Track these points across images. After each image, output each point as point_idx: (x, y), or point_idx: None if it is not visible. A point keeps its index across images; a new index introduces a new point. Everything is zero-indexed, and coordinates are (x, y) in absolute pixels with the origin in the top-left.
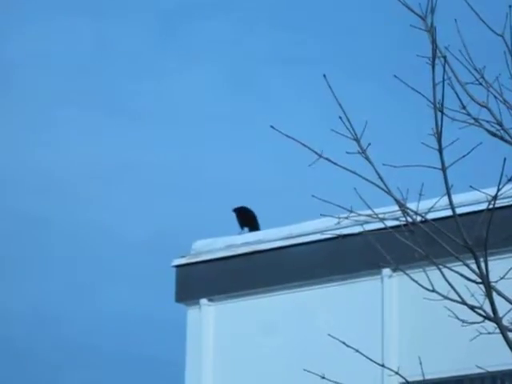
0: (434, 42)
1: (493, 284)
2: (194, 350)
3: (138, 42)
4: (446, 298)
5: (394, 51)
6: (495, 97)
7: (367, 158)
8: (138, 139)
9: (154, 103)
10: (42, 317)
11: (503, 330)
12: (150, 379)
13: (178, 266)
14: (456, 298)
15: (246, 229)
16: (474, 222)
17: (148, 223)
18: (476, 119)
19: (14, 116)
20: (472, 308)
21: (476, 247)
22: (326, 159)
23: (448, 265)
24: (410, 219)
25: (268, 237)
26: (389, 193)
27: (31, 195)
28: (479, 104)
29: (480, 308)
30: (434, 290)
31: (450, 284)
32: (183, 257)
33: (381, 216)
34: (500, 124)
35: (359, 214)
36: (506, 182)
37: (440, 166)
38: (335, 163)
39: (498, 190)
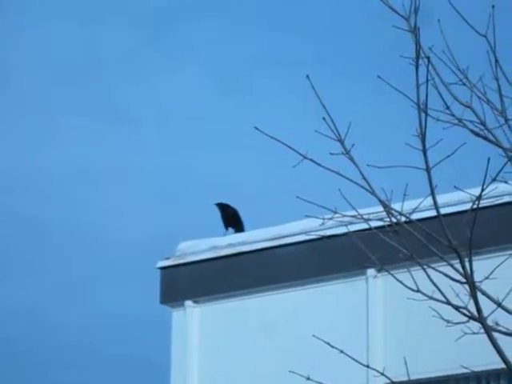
0: (417, 42)
1: (477, 284)
2: (179, 351)
3: (127, 45)
4: (431, 298)
5: (378, 52)
6: (479, 97)
7: (351, 159)
8: (129, 142)
9: (144, 105)
10: (34, 317)
11: (488, 330)
12: (136, 380)
13: (162, 268)
14: (441, 298)
15: (230, 230)
16: (459, 222)
17: (141, 225)
18: (460, 119)
19: (11, 119)
20: (457, 308)
21: (460, 247)
22: (311, 160)
23: (433, 265)
24: (394, 220)
25: (253, 238)
26: (373, 193)
27: (28, 197)
28: (463, 104)
29: (465, 308)
30: (418, 291)
31: (434, 284)
32: (168, 258)
33: (365, 217)
34: (484, 124)
35: (344, 215)
36: (490, 182)
37: (424, 167)
38: (319, 164)
39: (482, 190)
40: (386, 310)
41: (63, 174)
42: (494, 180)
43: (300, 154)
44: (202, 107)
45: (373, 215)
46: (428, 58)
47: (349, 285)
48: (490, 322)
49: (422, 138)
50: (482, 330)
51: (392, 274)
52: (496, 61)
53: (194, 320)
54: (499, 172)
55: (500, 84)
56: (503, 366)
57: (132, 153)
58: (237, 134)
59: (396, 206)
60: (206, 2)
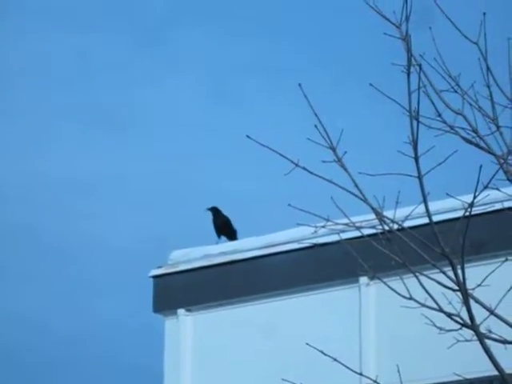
0: (408, 50)
1: (470, 291)
2: (172, 360)
3: (120, 53)
4: (424, 305)
5: (370, 60)
6: (470, 104)
7: (343, 167)
8: (122, 149)
9: (136, 113)
10: (27, 325)
11: (481, 338)
12: None
13: (155, 277)
14: (433, 305)
15: (223, 238)
16: (451, 229)
17: (133, 233)
18: (452, 127)
19: (4, 126)
20: (449, 315)
21: (453, 255)
22: (303, 168)
23: (425, 272)
24: (386, 227)
25: (245, 246)
26: (365, 201)
27: (20, 204)
28: (454, 111)
29: (457, 315)
30: (411, 298)
31: (427, 292)
32: (160, 267)
33: (357, 224)
34: (475, 131)
35: (336, 223)
36: (482, 190)
37: (416, 174)
38: (311, 172)
39: (475, 197)
40: (379, 317)
41: (56, 182)
42: (486, 187)
43: (292, 162)
44: (194, 115)
45: (365, 223)
46: (419, 65)
47: (341, 293)
48: (482, 329)
49: (414, 145)
50: (475, 338)
51: (384, 282)
52: (487, 68)
53: (186, 328)
54: (491, 179)
55: (491, 91)
56: (496, 373)
57: (125, 160)
58: (229, 142)
59: (388, 213)
60: (198, 10)
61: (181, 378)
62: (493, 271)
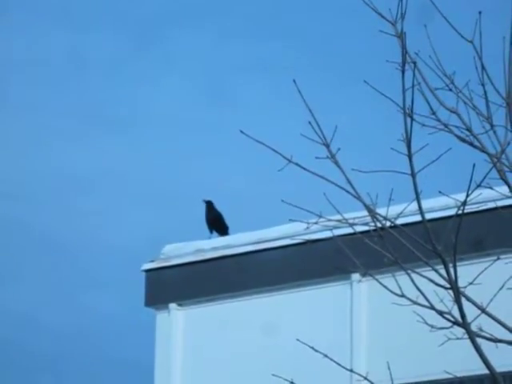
0: (403, 47)
1: (461, 289)
2: (163, 354)
3: (115, 52)
4: (415, 303)
5: (365, 57)
6: (465, 102)
7: (336, 163)
8: (118, 147)
9: (131, 112)
10: (22, 319)
11: (472, 336)
12: (121, 382)
13: (147, 271)
14: (425, 303)
15: (215, 233)
16: (443, 227)
17: (127, 228)
18: (446, 125)
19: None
20: (441, 313)
21: (445, 252)
22: (296, 164)
23: (417, 270)
24: (379, 224)
25: (237, 242)
26: (358, 198)
27: (17, 201)
28: (449, 110)
29: (449, 313)
30: (403, 295)
31: (418, 289)
32: (152, 261)
33: (350, 221)
34: (469, 130)
35: (328, 219)
36: (475, 188)
37: (409, 172)
38: (304, 168)
39: (467, 195)
40: (370, 314)
41: (54, 178)
42: (479, 186)
43: (285, 158)
44: (189, 113)
45: (358, 220)
46: (414, 63)
47: (333, 289)
48: (473, 327)
49: (408, 143)
50: (466, 336)
51: (376, 279)
52: (482, 67)
53: (178, 322)
54: (484, 178)
55: (486, 90)
56: (486, 371)
57: (122, 158)
58: (223, 139)
59: (381, 210)
60: (193, 9)
61: (171, 371)
62: (484, 270)
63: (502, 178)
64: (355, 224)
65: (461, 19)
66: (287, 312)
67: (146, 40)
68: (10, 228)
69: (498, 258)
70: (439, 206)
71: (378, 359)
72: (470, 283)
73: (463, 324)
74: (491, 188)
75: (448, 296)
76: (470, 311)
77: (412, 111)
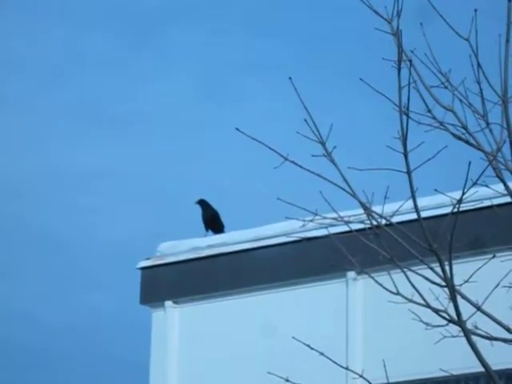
0: (399, 45)
1: (457, 287)
2: (158, 352)
3: (113, 50)
4: (411, 301)
5: (361, 56)
6: (461, 100)
7: (332, 161)
8: (116, 145)
9: (128, 110)
10: (19, 317)
11: (467, 334)
12: (116, 380)
13: (142, 268)
14: (420, 301)
15: (211, 231)
16: (439, 225)
17: (122, 226)
18: (441, 123)
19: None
20: (436, 311)
21: (440, 250)
22: (292, 162)
23: (413, 268)
24: (375, 222)
25: (233, 239)
26: (354, 196)
27: (13, 198)
28: (445, 107)
29: (444, 311)
30: (398, 293)
31: (414, 287)
32: (148, 259)
33: (346, 219)
34: (465, 128)
35: (324, 217)
36: (471, 186)
37: (405, 170)
38: (300, 166)
39: (463, 193)
40: (366, 312)
41: (51, 176)
42: (474, 184)
43: (281, 156)
44: (184, 112)
45: (353, 217)
46: (410, 60)
47: (329, 287)
48: (469, 325)
49: (404, 140)
50: (462, 334)
51: (372, 277)
52: (478, 64)
53: (173, 320)
54: (480, 176)
55: (482, 88)
56: (482, 369)
57: (120, 156)
58: (219, 137)
59: (377, 208)
60: (189, 8)
61: (167, 369)
62: (480, 268)
63: (497, 176)
64: (351, 222)
65: (457, 17)
66: (283, 310)
67: (144, 38)
68: (9, 225)
69: (494, 256)
70: (435, 204)
71: (374, 357)
72: (466, 281)
73: (459, 322)
74: (487, 186)
75: (443, 294)
76: (466, 309)
77: (408, 109)
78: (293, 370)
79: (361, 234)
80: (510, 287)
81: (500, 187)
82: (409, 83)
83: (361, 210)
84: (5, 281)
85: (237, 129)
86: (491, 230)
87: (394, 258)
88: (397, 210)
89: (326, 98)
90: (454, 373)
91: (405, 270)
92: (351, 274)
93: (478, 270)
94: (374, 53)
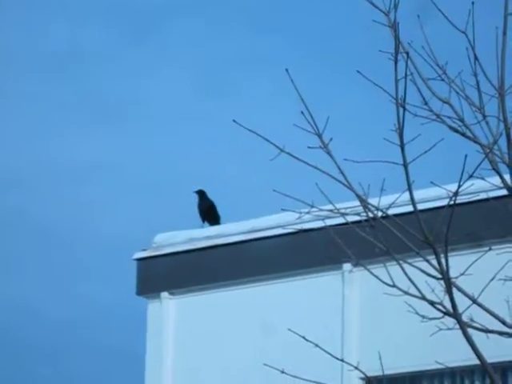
0: (396, 37)
1: (453, 280)
2: (154, 343)
3: (112, 43)
4: (407, 293)
5: (358, 48)
6: (457, 93)
7: (329, 153)
8: (116, 138)
9: (127, 103)
10: (17, 308)
11: (463, 326)
12: (111, 370)
13: (139, 260)
14: (416, 293)
15: (206, 223)
16: (435, 218)
17: (119, 217)
18: (438, 115)
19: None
20: (432, 303)
21: (436, 243)
22: (288, 154)
23: (408, 260)
24: (371, 214)
25: (229, 231)
26: (350, 188)
27: (13, 190)
28: (441, 100)
29: (440, 304)
30: (394, 286)
31: (410, 279)
32: (144, 250)
33: (342, 211)
34: (462, 120)
35: (320, 209)
36: (467, 179)
37: (402, 162)
38: (297, 158)
39: (459, 186)
40: (362, 304)
41: (52, 169)
42: (471, 176)
43: (277, 148)
44: (183, 104)
45: (349, 210)
46: (407, 53)
47: (324, 279)
48: (464, 317)
49: (400, 133)
50: (457, 326)
51: (368, 269)
52: (475, 57)
53: (169, 311)
54: (476, 168)
55: (478, 80)
56: (477, 362)
57: (120, 149)
58: (216, 130)
59: (373, 200)
60: (189, 2)
61: (163, 360)
62: (476, 260)
63: (494, 169)
64: (347, 214)
65: (454, 9)
66: (279, 301)
67: (143, 32)
68: (7, 217)
69: (490, 249)
70: (431, 196)
71: (369, 349)
72: (462, 274)
73: (454, 314)
74: (483, 179)
75: (439, 286)
76: (462, 302)
77: (404, 101)
78: (288, 362)
79: (357, 226)
80: (505, 280)
81: (496, 180)
82: (405, 75)
83: (357, 202)
84: (4, 272)
85: (234, 121)
86: (487, 223)
87: (390, 250)
88: (393, 203)
89: (322, 90)
90: (450, 365)
91: (401, 262)
92: (347, 266)
93: (474, 262)
94: (371, 45)
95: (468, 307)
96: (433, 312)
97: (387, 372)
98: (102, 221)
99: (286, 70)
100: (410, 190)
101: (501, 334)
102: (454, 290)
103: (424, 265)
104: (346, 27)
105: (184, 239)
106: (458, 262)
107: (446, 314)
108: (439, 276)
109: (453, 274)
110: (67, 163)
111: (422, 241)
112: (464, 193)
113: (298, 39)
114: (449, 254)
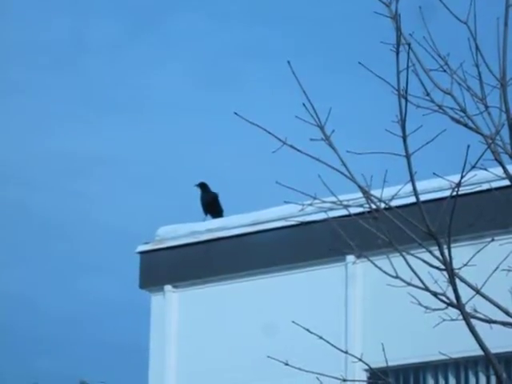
0: (398, 28)
1: (456, 271)
2: (157, 336)
3: (115, 36)
4: (410, 284)
5: (360, 40)
6: (459, 84)
7: (331, 145)
8: (117, 131)
9: (129, 96)
10: (17, 302)
11: (466, 317)
12: (115, 364)
13: (141, 253)
14: (419, 284)
15: (209, 216)
16: (438, 209)
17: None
18: (440, 106)
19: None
20: (435, 294)
21: (439, 234)
22: (290, 146)
23: (411, 251)
24: (373, 206)
25: (232, 223)
26: (353, 179)
27: (13, 183)
28: (443, 91)
29: (443, 295)
30: (397, 277)
31: (413, 270)
32: (147, 243)
33: (345, 203)
34: (464, 111)
35: (323, 201)
36: (470, 169)
37: (404, 153)
38: (299, 150)
39: (462, 177)
40: (365, 295)
41: (51, 161)
42: (473, 167)
43: (280, 140)
44: (185, 97)
45: (352, 201)
46: (409, 44)
47: (328, 271)
48: (468, 308)
49: (402, 124)
50: (461, 317)
51: (371, 260)
52: (477, 48)
53: (173, 305)
54: (479, 159)
55: (480, 71)
56: (481, 352)
57: (121, 142)
58: (218, 122)
59: (375, 192)
60: None
61: (166, 353)
62: (479, 251)
63: (496, 160)
64: (350, 206)
65: (455, 0)
66: (282, 294)
67: (145, 24)
68: (8, 210)
69: (493, 240)
70: (434, 187)
71: (373, 341)
72: (465, 264)
73: (458, 305)
74: (486, 169)
75: (442, 277)
76: (465, 292)
77: (406, 93)
78: (292, 354)
79: (360, 217)
80: (509, 270)
81: (499, 170)
82: (407, 67)
83: (360, 194)
84: (5, 265)
85: (235, 113)
86: (490, 214)
87: (393, 241)
88: (396, 194)
89: (324, 82)
90: (453, 356)
91: (404, 253)
92: (350, 258)
93: (477, 253)
94: (373, 37)
95: (471, 298)
96: (436, 303)
97: (391, 363)
98: (105, 214)
99: (288, 62)
100: (412, 181)
101: (504, 324)
102: (458, 281)
103: (427, 256)
104: (348, 18)
105: (187, 232)
106: (460, 252)
107: (450, 304)
108: (442, 267)
109: (456, 264)
110: (69, 156)
111: (425, 232)
112: (466, 184)
113: (299, 31)
114: (452, 245)
